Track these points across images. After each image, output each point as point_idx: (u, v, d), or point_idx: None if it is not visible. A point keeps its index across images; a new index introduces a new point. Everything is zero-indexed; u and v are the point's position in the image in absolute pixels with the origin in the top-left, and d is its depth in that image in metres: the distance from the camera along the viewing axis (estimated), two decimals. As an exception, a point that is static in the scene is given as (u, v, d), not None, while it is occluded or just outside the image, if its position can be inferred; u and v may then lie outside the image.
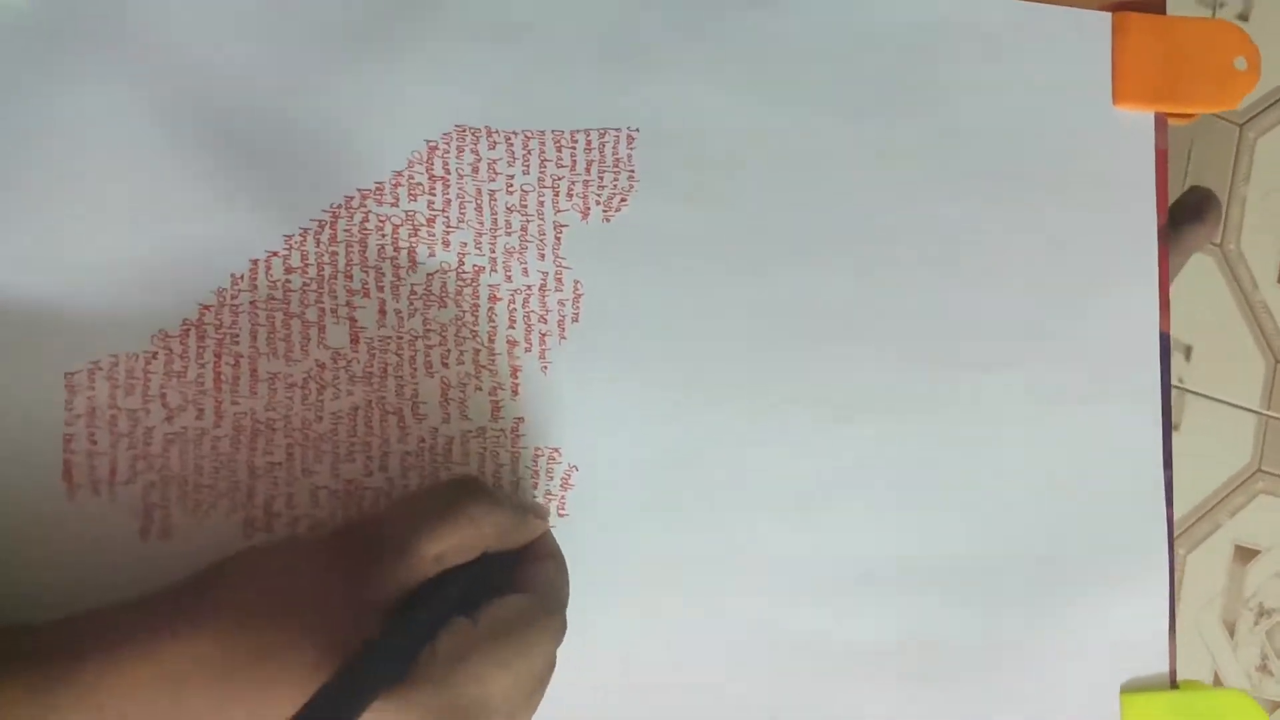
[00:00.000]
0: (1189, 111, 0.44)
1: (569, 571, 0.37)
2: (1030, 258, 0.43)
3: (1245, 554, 0.96)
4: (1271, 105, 0.97)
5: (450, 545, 0.32)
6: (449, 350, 0.38)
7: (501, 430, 0.39)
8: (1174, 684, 0.42)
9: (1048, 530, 0.43)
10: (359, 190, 0.38)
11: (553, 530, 0.39)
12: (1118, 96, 0.44)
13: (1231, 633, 0.97)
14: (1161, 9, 0.45)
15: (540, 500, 0.39)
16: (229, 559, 0.32)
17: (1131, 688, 0.42)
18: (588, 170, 0.40)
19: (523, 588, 0.34)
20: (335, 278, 0.38)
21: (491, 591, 0.33)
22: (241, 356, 0.37)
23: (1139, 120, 0.44)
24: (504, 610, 0.32)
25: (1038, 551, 0.42)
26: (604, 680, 0.39)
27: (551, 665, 0.34)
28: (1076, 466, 0.43)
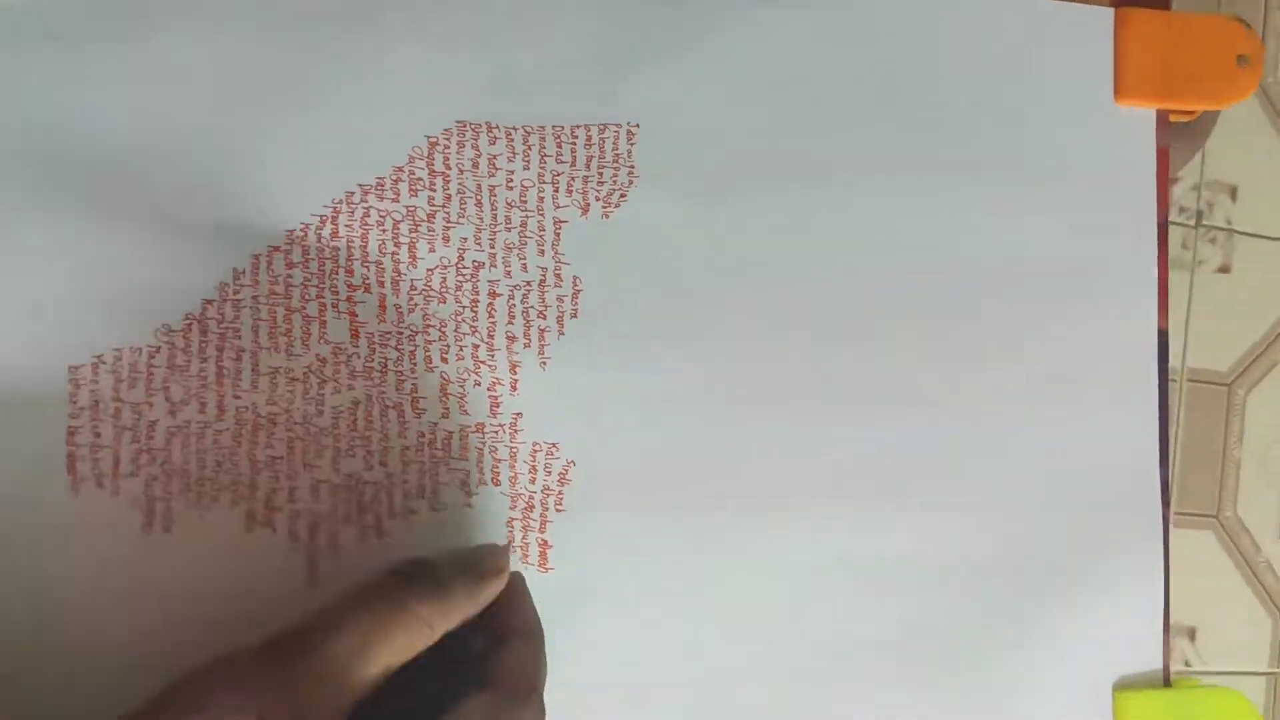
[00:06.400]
0: (1191, 108, 0.44)
1: (576, 561, 0.37)
2: (1028, 252, 0.43)
3: (1304, 389, 0.96)
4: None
5: (398, 652, 0.30)
6: (449, 345, 0.39)
7: (500, 425, 0.39)
8: (1167, 682, 0.42)
9: (1042, 527, 0.43)
10: (360, 185, 0.38)
11: (550, 525, 0.39)
12: (1119, 92, 0.44)
13: (1298, 468, 0.96)
14: (1165, 4, 0.45)
15: (499, 543, 0.38)
16: (164, 697, 0.29)
17: (1124, 686, 0.42)
18: (588, 166, 0.40)
19: (488, 675, 0.32)
20: (336, 273, 0.38)
21: (453, 688, 0.30)
22: (243, 351, 0.37)
23: (1140, 117, 0.44)
24: None
25: (1032, 548, 0.42)
26: (601, 678, 0.39)
27: None
28: (1072, 463, 0.43)
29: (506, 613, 0.34)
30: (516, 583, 0.35)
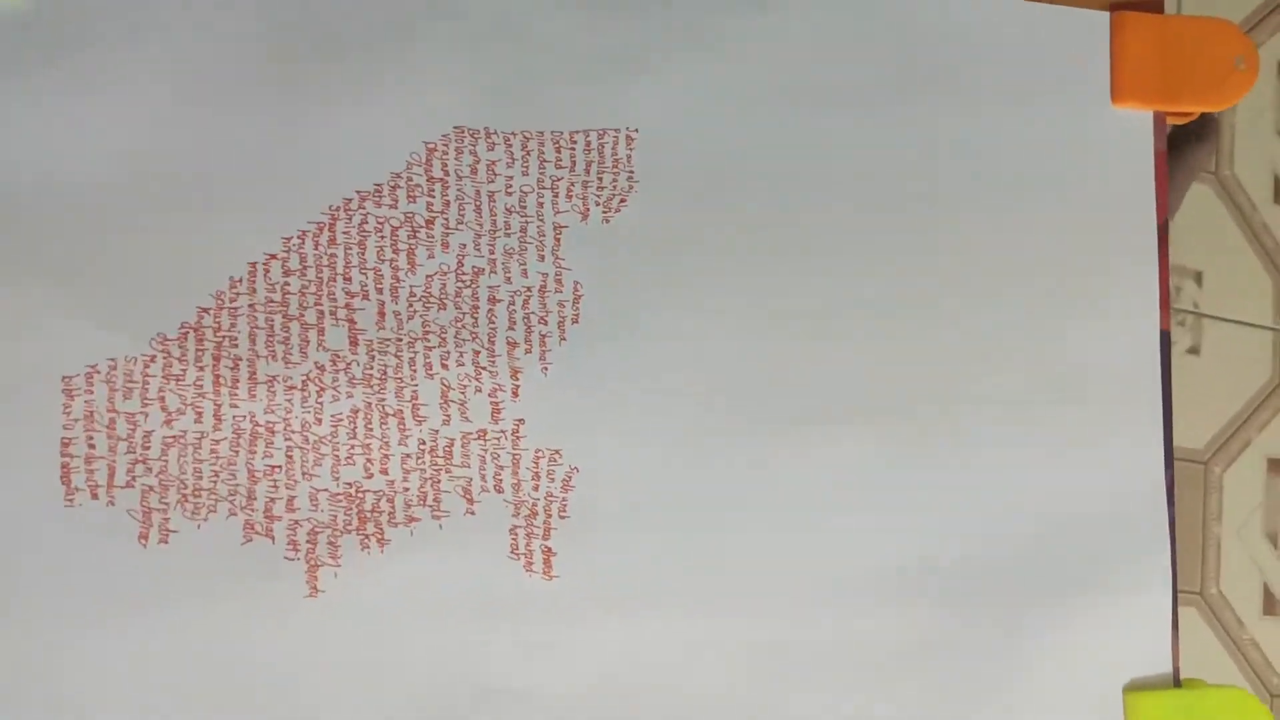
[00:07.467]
0: (1188, 110, 0.44)
1: (580, 567, 0.37)
2: (1030, 256, 0.43)
3: (1278, 465, 0.99)
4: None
5: None
6: (449, 352, 0.38)
7: (502, 432, 0.38)
8: (1177, 683, 0.42)
9: (1050, 530, 0.42)
10: (357, 192, 0.38)
11: (554, 532, 0.39)
12: (1116, 96, 0.44)
13: (1275, 543, 0.99)
14: (1160, 8, 0.45)
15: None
16: None
17: (1135, 687, 0.42)
18: (587, 171, 0.40)
19: None
20: (334, 280, 0.38)
21: None
22: (240, 359, 0.37)
23: (1138, 119, 0.44)
24: None
25: (1040, 551, 0.42)
26: (605, 682, 0.39)
27: None
28: (1078, 467, 0.43)
29: None
30: None
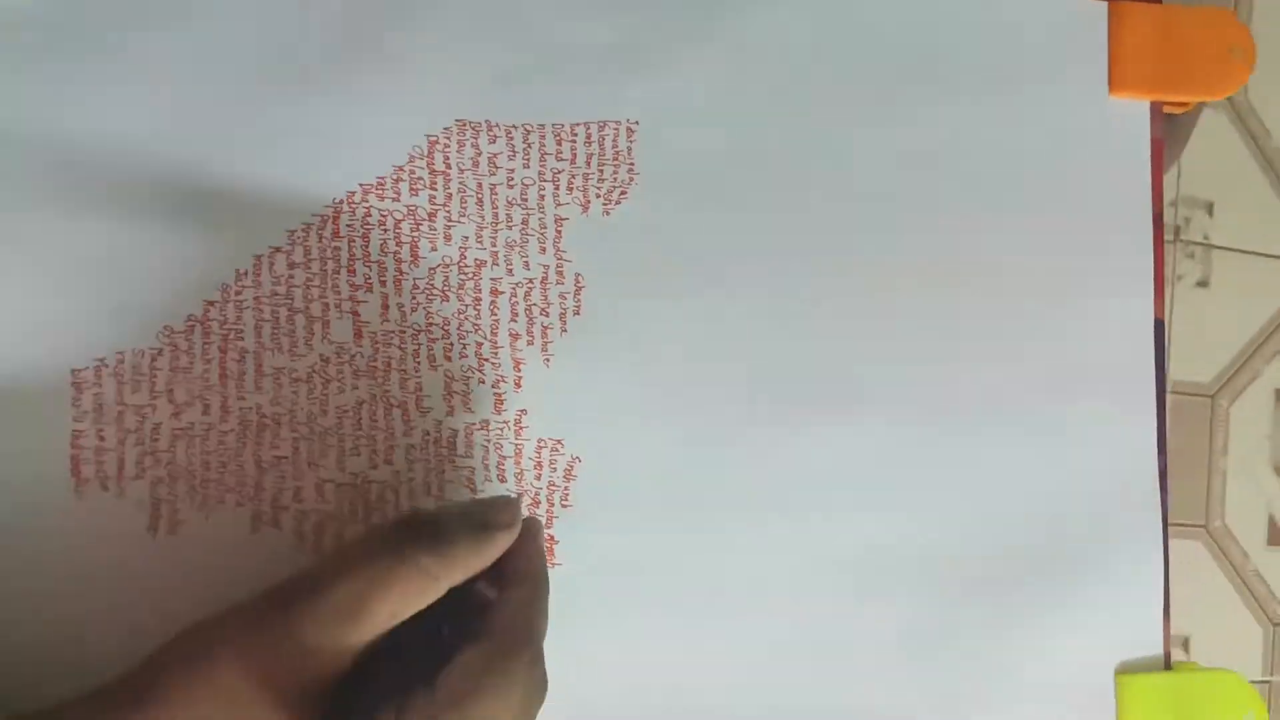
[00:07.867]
0: (1185, 100, 0.45)
1: (582, 556, 0.37)
2: (1024, 246, 0.44)
3: (1286, 398, 1.00)
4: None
5: (402, 602, 0.30)
6: (452, 344, 0.39)
7: (505, 422, 0.39)
8: (1168, 665, 0.43)
9: (1043, 516, 0.43)
10: (361, 185, 0.38)
11: (556, 521, 0.39)
12: (1114, 85, 0.44)
13: (1280, 474, 1.00)
14: (1157, -3, 0.45)
15: (509, 493, 0.38)
16: (167, 650, 0.30)
17: (1126, 669, 0.43)
18: (588, 163, 0.40)
19: (488, 625, 0.31)
20: (338, 273, 0.38)
21: (459, 638, 0.31)
22: (247, 352, 0.37)
23: (1135, 109, 0.44)
24: (461, 673, 0.30)
25: (1033, 537, 0.43)
26: (605, 672, 0.40)
27: (534, 695, 0.31)
28: (1071, 454, 0.43)
29: (512, 559, 0.33)
30: (527, 528, 0.34)
